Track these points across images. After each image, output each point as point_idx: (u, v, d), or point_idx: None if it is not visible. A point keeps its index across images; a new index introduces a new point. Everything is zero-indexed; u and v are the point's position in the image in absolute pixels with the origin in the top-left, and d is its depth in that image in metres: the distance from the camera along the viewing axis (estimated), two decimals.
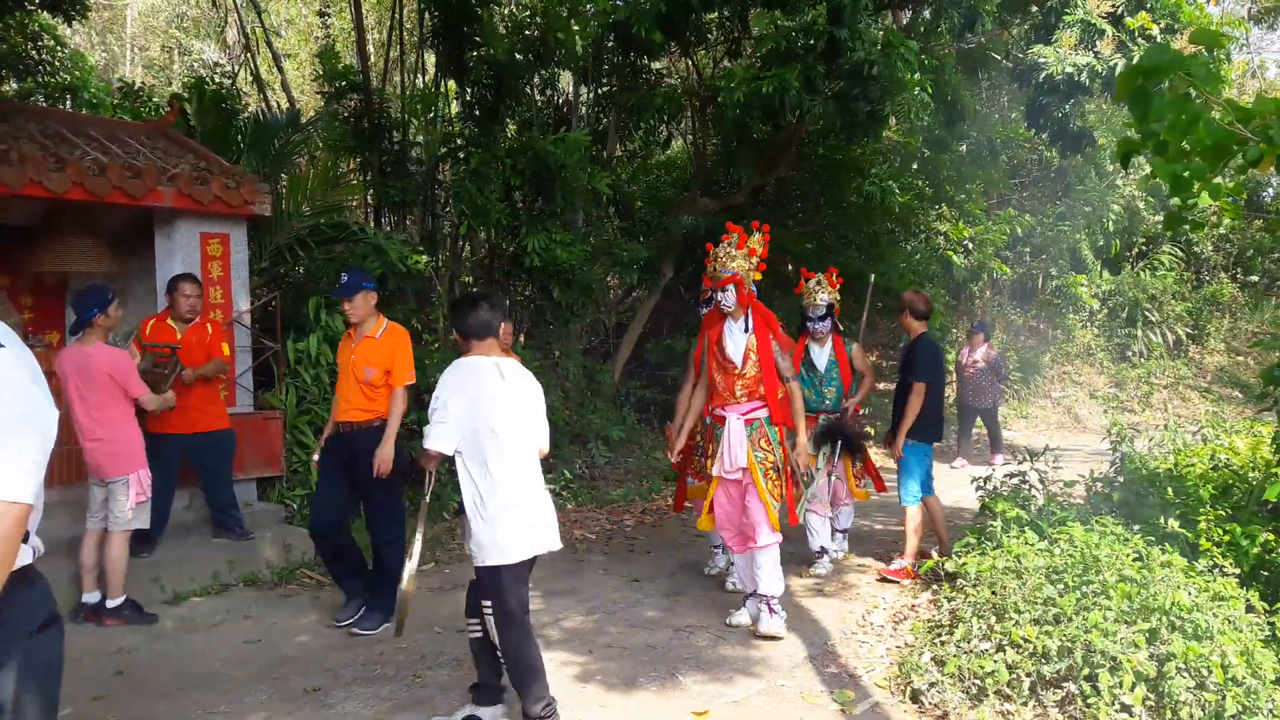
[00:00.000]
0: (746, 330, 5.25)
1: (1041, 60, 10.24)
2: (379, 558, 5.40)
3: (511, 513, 3.67)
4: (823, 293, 6.74)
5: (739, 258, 5.27)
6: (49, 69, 10.24)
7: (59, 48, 10.61)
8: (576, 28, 9.94)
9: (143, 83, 14.29)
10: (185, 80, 13.81)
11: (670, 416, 6.06)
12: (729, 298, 5.23)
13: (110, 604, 5.31)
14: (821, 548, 6.60)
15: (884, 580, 6.34)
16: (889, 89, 9.35)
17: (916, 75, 9.42)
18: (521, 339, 10.98)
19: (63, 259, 6.80)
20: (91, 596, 5.36)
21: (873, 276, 7.93)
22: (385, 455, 5.05)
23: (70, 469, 6.50)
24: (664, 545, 7.50)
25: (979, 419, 12.30)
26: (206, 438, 6.16)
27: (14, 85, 9.83)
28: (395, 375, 5.22)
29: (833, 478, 6.57)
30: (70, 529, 5.68)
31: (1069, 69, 9.89)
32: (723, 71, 11.73)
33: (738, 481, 5.25)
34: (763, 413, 5.24)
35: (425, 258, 9.36)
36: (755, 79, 9.19)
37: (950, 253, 13.66)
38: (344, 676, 4.62)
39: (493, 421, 3.68)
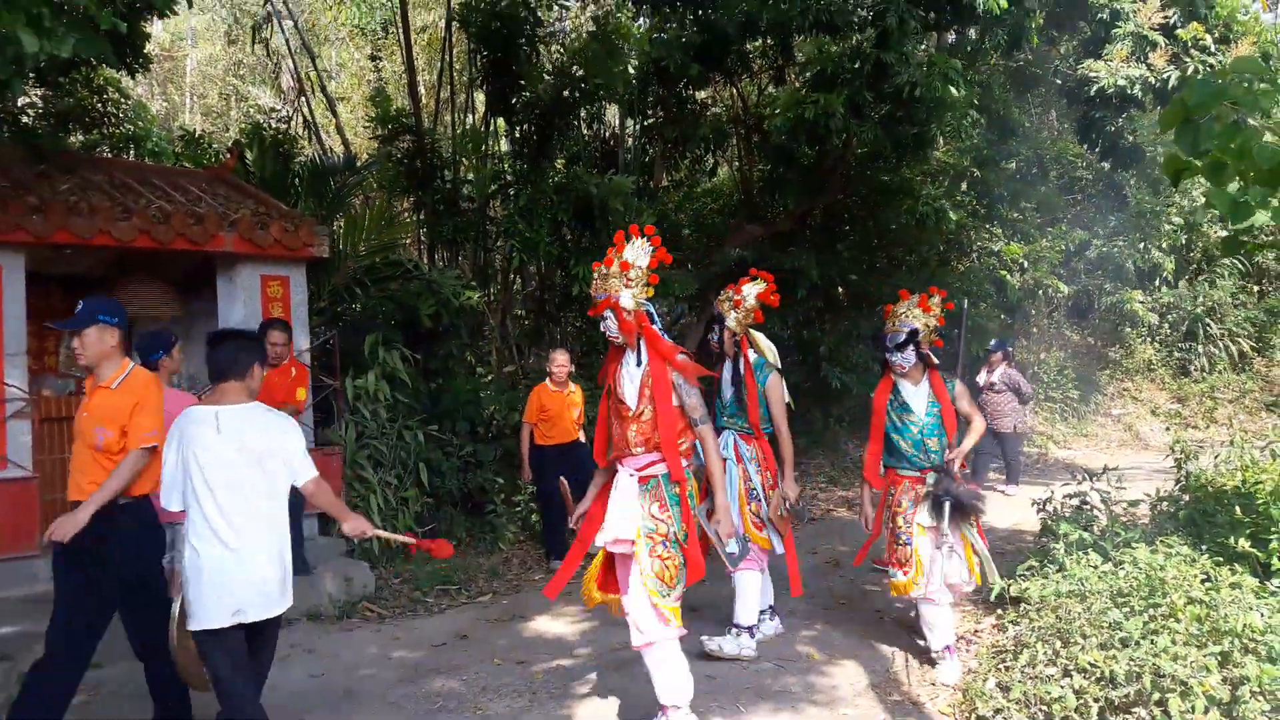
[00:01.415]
0: (640, 363, 4.28)
1: (1092, 74, 10.17)
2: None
3: (216, 577, 3.43)
4: (910, 316, 5.34)
5: (612, 277, 4.33)
6: (114, 120, 10.61)
7: (123, 99, 10.99)
8: (617, 69, 10.10)
9: (202, 130, 14.75)
10: (242, 127, 14.23)
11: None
12: (609, 325, 4.31)
13: None
14: (945, 646, 5.08)
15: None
16: (935, 110, 9.34)
17: (963, 94, 9.40)
18: (573, 368, 11.08)
19: (129, 304, 7.02)
20: None
21: (965, 302, 7.47)
22: (66, 525, 3.86)
23: None
24: (720, 574, 7.46)
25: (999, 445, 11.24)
26: None
27: (81, 137, 10.20)
28: (130, 435, 3.97)
29: (945, 552, 4.98)
30: None
31: (1121, 82, 9.80)
32: (768, 98, 11.81)
33: (627, 557, 4.17)
34: (660, 468, 4.17)
35: (477, 293, 9.52)
36: (798, 104, 9.24)
37: (1004, 272, 13.52)
38: (407, 710, 4.68)
39: (205, 478, 3.46)
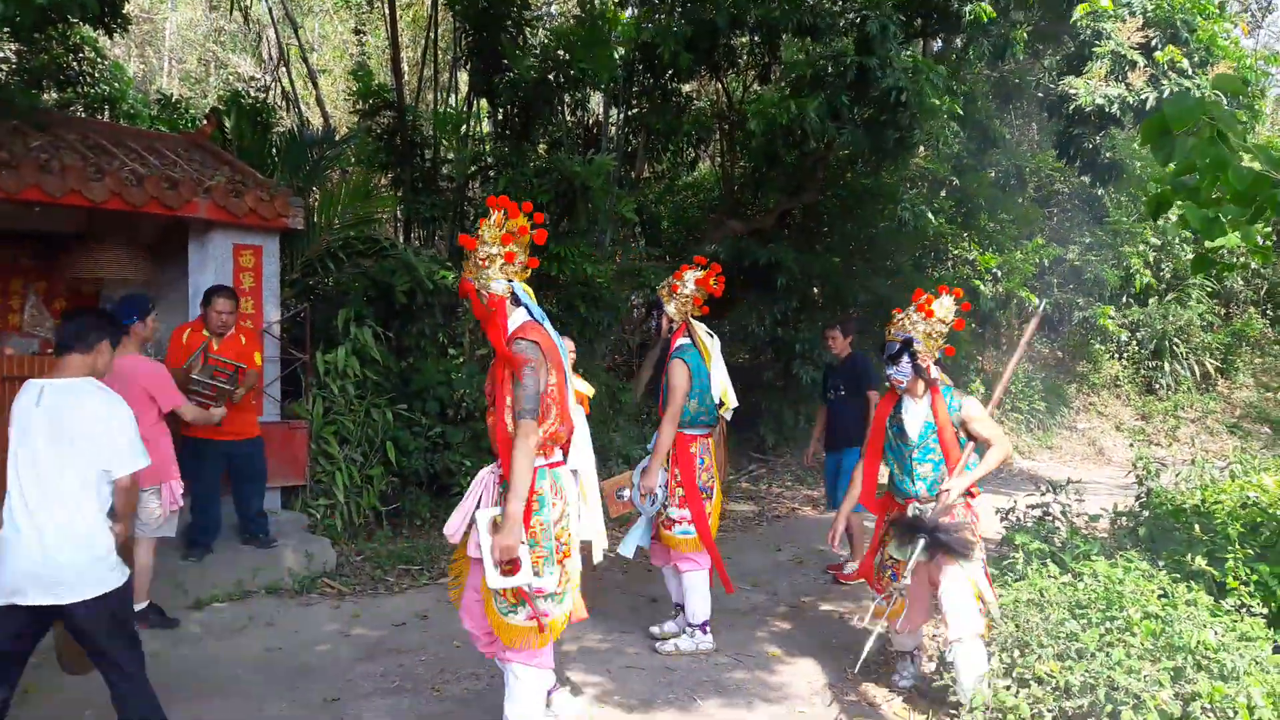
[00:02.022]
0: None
1: (1072, 91, 10.23)
2: None
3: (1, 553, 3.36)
4: (908, 322, 4.63)
5: (469, 256, 3.78)
6: (89, 80, 10.40)
7: (99, 59, 10.78)
8: (603, 54, 10.03)
9: (180, 95, 14.50)
10: (221, 94, 14.02)
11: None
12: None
13: (134, 609, 5.35)
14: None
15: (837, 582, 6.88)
16: (918, 116, 9.38)
17: (946, 101, 9.44)
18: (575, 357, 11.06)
19: (99, 266, 6.92)
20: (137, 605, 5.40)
21: (1044, 305, 7.14)
22: None
23: None
24: None
25: None
26: (242, 445, 6.20)
27: (54, 95, 9.99)
28: None
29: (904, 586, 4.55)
30: None
31: (1100, 100, 9.87)
32: (752, 95, 11.81)
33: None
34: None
35: (453, 273, 9.44)
36: (774, 105, 9.25)
37: (977, 282, 13.61)
38: (363, 688, 4.65)
39: (15, 451, 3.39)
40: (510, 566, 3.43)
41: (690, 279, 5.40)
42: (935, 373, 4.54)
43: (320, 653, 5.18)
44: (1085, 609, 4.49)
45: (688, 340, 5.35)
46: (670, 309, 5.40)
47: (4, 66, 9.38)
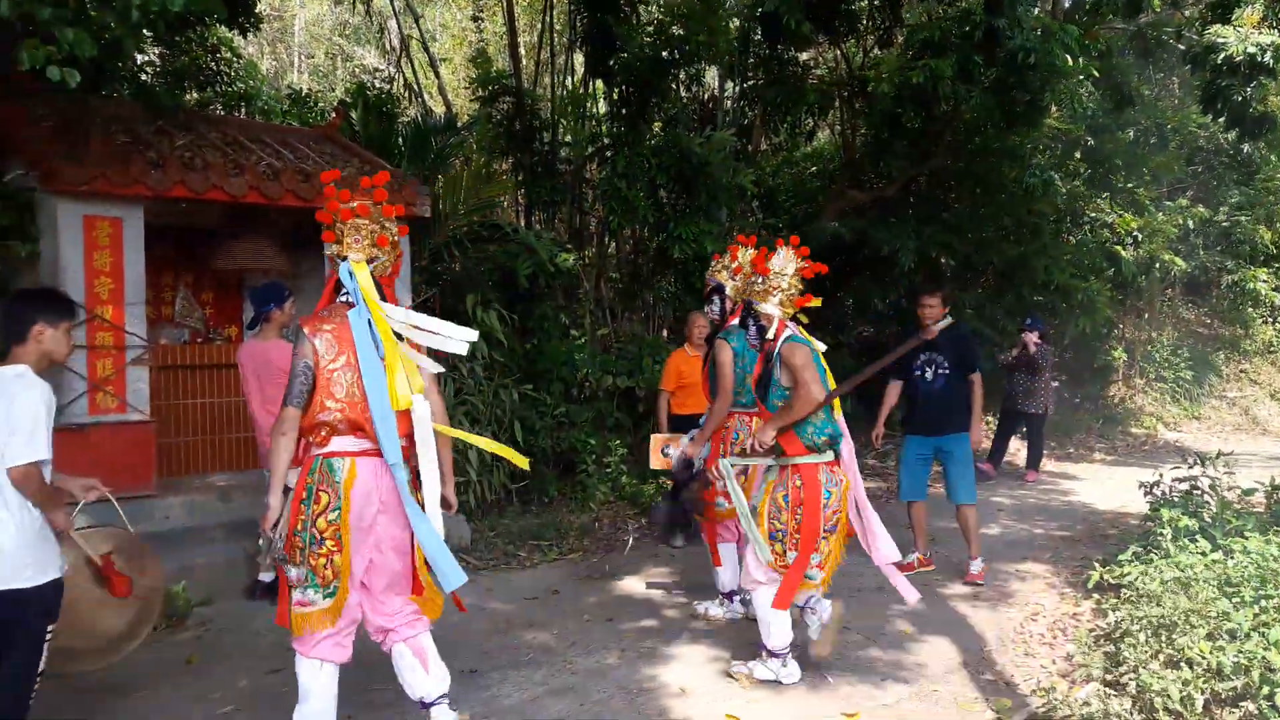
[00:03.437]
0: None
1: (1220, 40, 9.59)
2: None
3: None
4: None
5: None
6: (226, 79, 10.89)
7: (235, 58, 11.28)
8: (718, 25, 9.93)
9: (309, 89, 15.06)
10: (348, 86, 14.49)
11: None
12: None
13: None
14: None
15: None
16: (1049, 77, 8.98)
17: (1079, 62, 9.00)
18: (665, 333, 11.08)
19: (240, 258, 7.26)
20: (266, 576, 5.70)
21: (946, 321, 6.04)
22: None
23: (248, 456, 7.00)
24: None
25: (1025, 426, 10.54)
26: None
27: (195, 95, 10.50)
28: None
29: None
30: (248, 510, 6.06)
31: (1251, 49, 9.23)
32: (873, 61, 11.51)
33: None
34: None
35: (573, 255, 9.56)
36: (906, 68, 8.99)
37: (1117, 247, 12.99)
38: (497, 660, 4.78)
39: None
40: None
41: (747, 256, 5.01)
42: (787, 330, 4.50)
43: (456, 625, 5.33)
44: (1237, 587, 4.28)
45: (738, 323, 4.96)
46: (730, 289, 5.20)
47: (149, 69, 9.91)
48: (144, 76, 9.39)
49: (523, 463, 3.97)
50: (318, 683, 3.55)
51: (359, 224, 3.65)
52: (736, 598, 5.40)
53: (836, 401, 4.55)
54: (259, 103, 11.46)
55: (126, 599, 3.76)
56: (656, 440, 5.85)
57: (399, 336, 3.65)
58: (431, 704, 3.71)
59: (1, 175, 6.22)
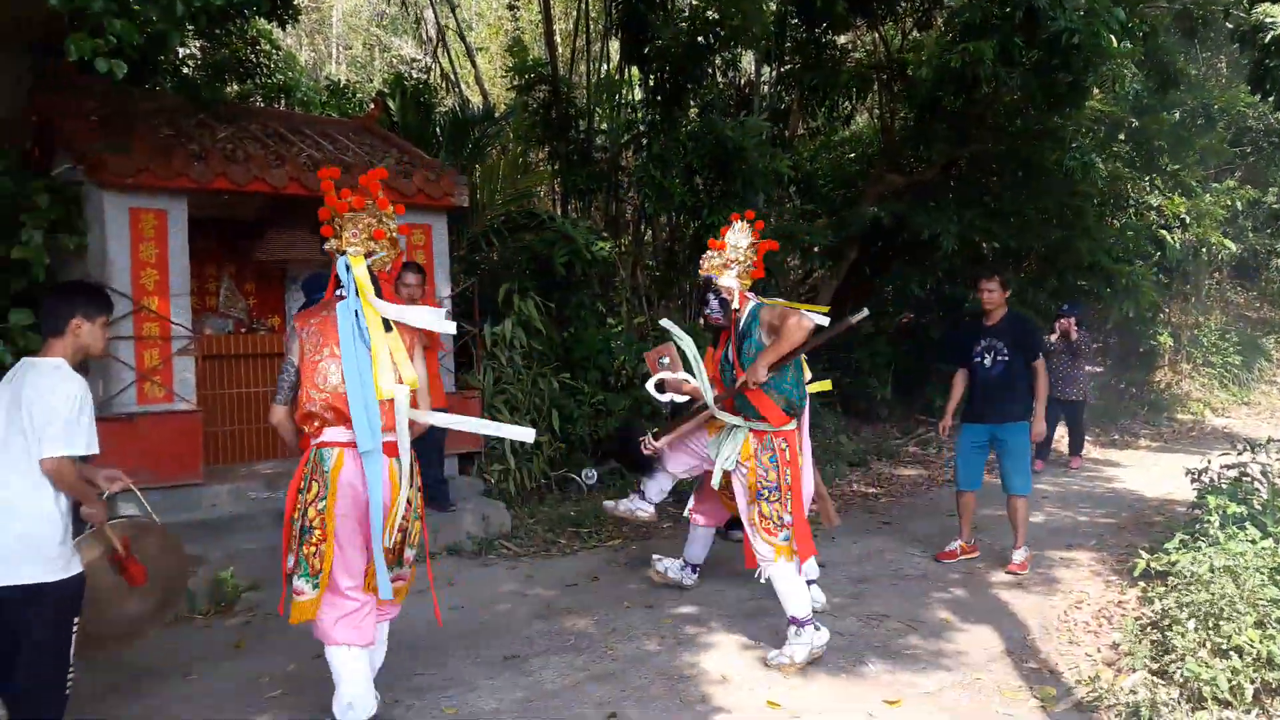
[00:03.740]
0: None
1: (1268, 19, 9.34)
2: None
3: None
4: (705, 264, 4.90)
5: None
6: (266, 71, 11.01)
7: (274, 50, 11.39)
8: (753, 8, 9.84)
9: (347, 80, 15.18)
10: (385, 77, 14.58)
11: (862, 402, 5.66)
12: None
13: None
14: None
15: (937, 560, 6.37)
16: (1092, 58, 8.80)
17: (1124, 42, 8.82)
18: (701, 321, 11.04)
19: (283, 249, 7.35)
20: None
21: (865, 312, 4.88)
22: None
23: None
24: (850, 531, 7.39)
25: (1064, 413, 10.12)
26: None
27: (235, 87, 10.63)
28: None
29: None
30: None
31: None
32: (912, 43, 11.37)
33: None
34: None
35: (609, 243, 9.56)
36: (946, 51, 8.86)
37: (1162, 230, 12.74)
38: (540, 645, 4.82)
39: None
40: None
41: (742, 240, 4.82)
42: (750, 301, 4.76)
43: (499, 611, 5.40)
44: None
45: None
46: (730, 280, 4.80)
47: (190, 63, 10.04)
48: (186, 70, 9.52)
49: (527, 436, 3.98)
50: (348, 667, 3.60)
51: (356, 217, 3.67)
52: (695, 571, 5.76)
53: (806, 368, 5.05)
54: (298, 94, 11.57)
55: (149, 586, 3.79)
56: (653, 354, 6.10)
57: (389, 327, 3.66)
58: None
59: (50, 169, 6.34)
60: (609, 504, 5.72)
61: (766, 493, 4.58)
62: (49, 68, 6.23)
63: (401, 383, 3.59)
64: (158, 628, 4.08)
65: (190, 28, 5.83)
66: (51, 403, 3.23)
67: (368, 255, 3.68)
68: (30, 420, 3.22)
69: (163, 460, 5.88)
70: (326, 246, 3.73)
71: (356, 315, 3.58)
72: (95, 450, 3.36)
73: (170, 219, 6.13)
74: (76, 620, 3.38)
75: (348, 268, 3.64)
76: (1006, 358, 6.11)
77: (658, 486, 5.51)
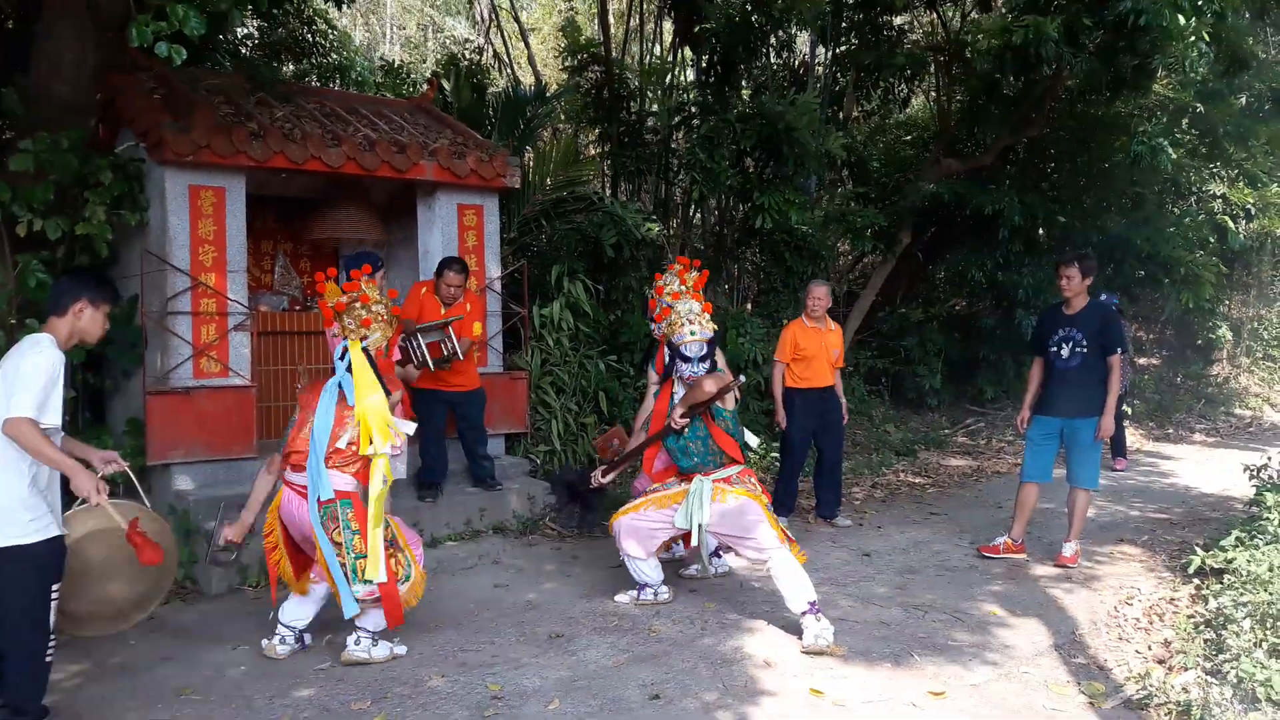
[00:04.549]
0: None
1: None
2: None
3: None
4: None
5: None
6: (321, 50, 11.11)
7: (330, 30, 11.49)
8: None
9: (401, 61, 15.28)
10: (439, 58, 14.65)
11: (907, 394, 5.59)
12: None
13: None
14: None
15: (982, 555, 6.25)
16: (1159, 40, 8.57)
17: (1192, 23, 8.56)
18: (749, 306, 11.00)
19: (337, 227, 7.43)
20: None
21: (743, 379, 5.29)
22: None
23: None
24: (897, 521, 7.34)
25: None
26: (463, 396, 6.56)
27: (292, 67, 10.74)
28: None
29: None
30: None
31: None
32: (971, 25, 11.16)
33: None
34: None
35: (658, 226, 9.54)
36: (1007, 29, 8.66)
37: (1225, 219, 12.40)
38: (584, 625, 4.86)
39: None
40: None
41: (673, 283, 5.21)
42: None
43: (544, 590, 5.45)
44: None
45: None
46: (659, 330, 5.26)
47: (248, 43, 10.17)
48: (244, 50, 9.64)
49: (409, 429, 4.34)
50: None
51: (349, 311, 4.28)
52: (721, 554, 5.79)
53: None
54: (353, 74, 11.67)
55: (146, 568, 3.84)
56: (601, 441, 6.16)
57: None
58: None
59: (114, 147, 6.47)
60: (620, 597, 5.32)
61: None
62: (114, 49, 6.34)
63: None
64: (144, 614, 4.12)
65: (250, 7, 5.90)
66: (22, 368, 3.38)
67: (362, 340, 4.25)
68: (4, 386, 3.36)
69: (217, 433, 6.01)
70: (330, 334, 4.40)
71: (340, 387, 4.19)
72: (54, 423, 3.45)
73: (229, 196, 6.23)
74: (56, 587, 3.48)
75: (345, 351, 4.24)
76: (1084, 349, 5.88)
77: (647, 570, 5.23)
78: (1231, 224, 12.54)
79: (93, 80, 6.24)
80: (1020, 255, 11.23)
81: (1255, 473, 6.31)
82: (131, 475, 3.98)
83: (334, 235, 7.48)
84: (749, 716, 3.82)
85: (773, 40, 11.11)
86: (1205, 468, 9.66)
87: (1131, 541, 6.69)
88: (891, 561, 6.15)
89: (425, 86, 9.07)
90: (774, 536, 4.67)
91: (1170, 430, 12.15)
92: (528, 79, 12.83)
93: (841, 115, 12.14)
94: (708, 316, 5.06)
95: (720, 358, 5.18)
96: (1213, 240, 12.49)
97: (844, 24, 11.25)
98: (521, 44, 14.26)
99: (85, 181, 5.86)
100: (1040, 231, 11.74)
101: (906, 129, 13.71)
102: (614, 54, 11.20)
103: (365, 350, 4.23)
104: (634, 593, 5.25)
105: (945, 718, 3.84)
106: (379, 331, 4.32)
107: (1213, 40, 9.90)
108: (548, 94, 10.57)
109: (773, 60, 11.61)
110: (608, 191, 11.18)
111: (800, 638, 4.54)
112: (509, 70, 13.10)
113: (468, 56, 12.48)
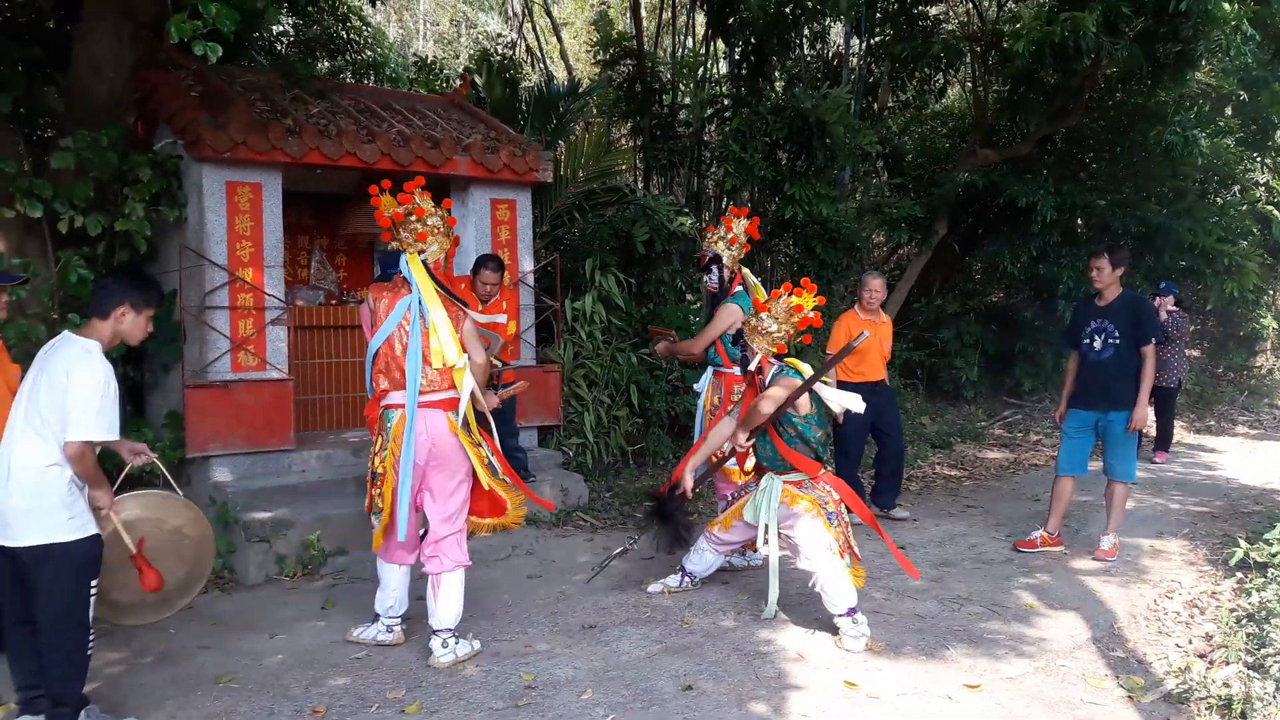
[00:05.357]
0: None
1: None
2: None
3: None
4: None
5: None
6: (356, 47, 11.20)
7: (364, 26, 11.58)
8: None
9: (434, 56, 15.36)
10: (472, 53, 14.72)
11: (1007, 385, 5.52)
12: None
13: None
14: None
15: (1018, 550, 6.14)
16: (1202, 25, 8.41)
17: (1236, 8, 8.40)
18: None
19: (370, 223, 7.47)
20: None
21: (864, 335, 5.40)
22: None
23: None
24: (933, 514, 7.29)
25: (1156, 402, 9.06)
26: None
27: (327, 64, 10.84)
28: None
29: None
30: None
31: None
32: (1007, 14, 11.03)
33: None
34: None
35: (690, 219, 9.52)
36: (1046, 23, 8.55)
37: (1269, 208, 12.16)
38: (617, 616, 4.87)
39: (20, 391, 3.52)
40: None
41: (740, 228, 5.66)
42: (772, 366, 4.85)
43: (576, 580, 5.47)
44: None
45: (743, 289, 5.72)
46: (727, 259, 5.66)
47: (283, 39, 10.27)
48: (279, 46, 9.74)
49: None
50: (392, 577, 4.44)
51: (405, 224, 4.28)
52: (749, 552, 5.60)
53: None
54: (387, 70, 11.75)
55: (186, 555, 3.91)
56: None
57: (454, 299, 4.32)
58: (433, 631, 4.28)
59: (153, 144, 6.57)
60: (653, 587, 5.30)
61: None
62: (151, 47, 6.44)
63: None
64: (186, 601, 4.12)
65: (285, 4, 5.97)
66: (78, 385, 3.35)
67: (420, 252, 4.28)
68: (50, 395, 3.35)
69: (255, 426, 6.09)
70: (390, 246, 4.44)
71: (419, 301, 4.19)
72: (116, 436, 3.49)
73: (265, 192, 6.30)
74: (94, 583, 3.51)
75: (405, 263, 4.27)
76: (1117, 341, 5.82)
77: (704, 562, 5.25)
78: (1277, 213, 12.29)
79: (131, 78, 6.34)
80: (1058, 246, 11.08)
81: None
82: (161, 466, 4.05)
83: (369, 230, 7.54)
84: (782, 708, 3.81)
85: (806, 32, 11.05)
86: (1247, 460, 9.49)
87: (1172, 535, 6.59)
88: (927, 554, 6.10)
89: (458, 82, 9.12)
90: (825, 549, 4.51)
91: (1212, 422, 11.95)
92: (560, 74, 12.87)
93: (876, 106, 12.05)
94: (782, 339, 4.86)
95: (804, 365, 4.83)
96: (1256, 231, 12.25)
97: (878, 14, 11.16)
98: (554, 38, 14.29)
99: (124, 178, 5.97)
100: (1079, 222, 11.58)
101: (942, 120, 13.57)
102: (646, 47, 11.19)
103: (424, 264, 4.26)
104: (668, 581, 5.26)
105: (981, 711, 3.81)
106: (435, 244, 4.32)
107: (1256, 25, 9.72)
108: (580, 89, 10.59)
109: (806, 52, 11.54)
110: (640, 184, 11.19)
111: (835, 634, 4.52)
112: (541, 65, 13.14)
113: (500, 52, 12.54)
